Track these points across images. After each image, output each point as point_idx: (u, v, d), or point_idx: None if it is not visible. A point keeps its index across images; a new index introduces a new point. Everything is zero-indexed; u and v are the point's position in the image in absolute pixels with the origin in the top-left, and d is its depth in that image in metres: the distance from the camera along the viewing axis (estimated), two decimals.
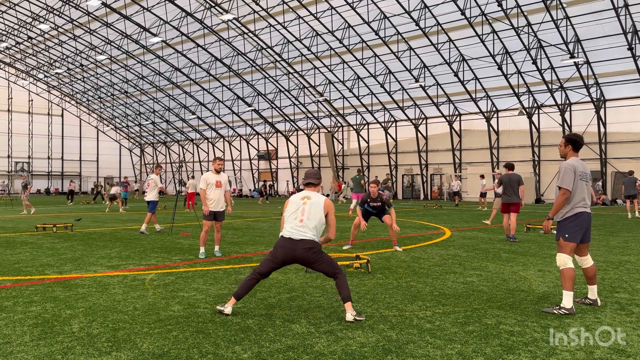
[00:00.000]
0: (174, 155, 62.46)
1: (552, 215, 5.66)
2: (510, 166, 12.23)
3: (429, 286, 6.72)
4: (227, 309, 5.22)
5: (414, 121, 41.21)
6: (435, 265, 8.40)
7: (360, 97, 41.39)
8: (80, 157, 63.65)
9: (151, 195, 13.82)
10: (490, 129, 37.31)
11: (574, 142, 5.68)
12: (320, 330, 4.78)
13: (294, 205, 5.24)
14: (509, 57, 32.22)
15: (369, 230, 14.51)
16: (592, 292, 5.68)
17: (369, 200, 10.39)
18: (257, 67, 42.35)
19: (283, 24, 35.98)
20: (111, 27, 40.25)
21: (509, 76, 33.40)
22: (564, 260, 5.47)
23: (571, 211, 5.51)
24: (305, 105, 45.61)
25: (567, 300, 5.34)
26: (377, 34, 33.68)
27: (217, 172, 9.44)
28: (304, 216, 5.12)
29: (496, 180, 16.20)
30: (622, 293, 6.33)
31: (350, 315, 5.04)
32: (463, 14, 29.77)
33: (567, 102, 33.70)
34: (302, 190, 5.56)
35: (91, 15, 38.73)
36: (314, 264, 5.15)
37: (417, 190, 42.96)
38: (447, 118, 39.17)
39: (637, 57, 28.43)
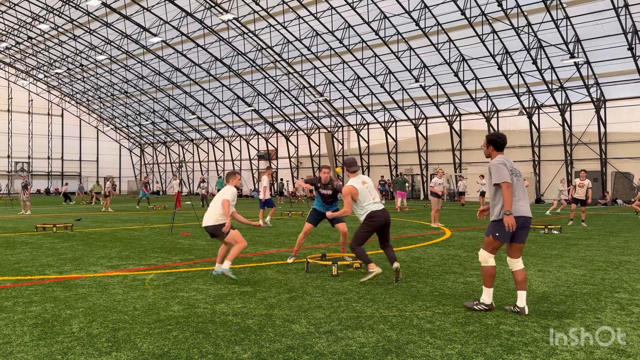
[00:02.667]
0: (174, 155, 62.47)
1: (510, 209, 5.23)
2: None
3: (429, 286, 6.72)
4: (377, 269, 6.97)
5: (414, 121, 41.21)
6: (435, 265, 8.40)
7: (360, 97, 41.39)
8: (80, 157, 63.65)
9: (263, 195, 16.07)
10: (490, 129, 37.29)
11: (494, 143, 5.50)
12: (320, 330, 4.77)
13: (364, 192, 7.09)
14: (509, 57, 32.21)
15: None
16: (521, 298, 5.30)
17: (319, 185, 8.84)
18: (257, 67, 42.35)
19: (283, 24, 35.98)
20: (111, 27, 40.24)
21: (509, 76, 33.39)
22: (484, 258, 5.42)
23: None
24: (305, 105, 45.61)
25: (487, 296, 5.40)
26: (377, 34, 33.67)
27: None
28: (372, 195, 7.13)
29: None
30: (622, 293, 6.32)
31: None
32: (463, 14, 29.77)
33: (567, 102, 33.70)
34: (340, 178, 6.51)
35: (91, 15, 38.72)
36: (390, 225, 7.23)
37: (417, 190, 42.94)
38: (447, 118, 39.17)
39: (637, 57, 28.42)
